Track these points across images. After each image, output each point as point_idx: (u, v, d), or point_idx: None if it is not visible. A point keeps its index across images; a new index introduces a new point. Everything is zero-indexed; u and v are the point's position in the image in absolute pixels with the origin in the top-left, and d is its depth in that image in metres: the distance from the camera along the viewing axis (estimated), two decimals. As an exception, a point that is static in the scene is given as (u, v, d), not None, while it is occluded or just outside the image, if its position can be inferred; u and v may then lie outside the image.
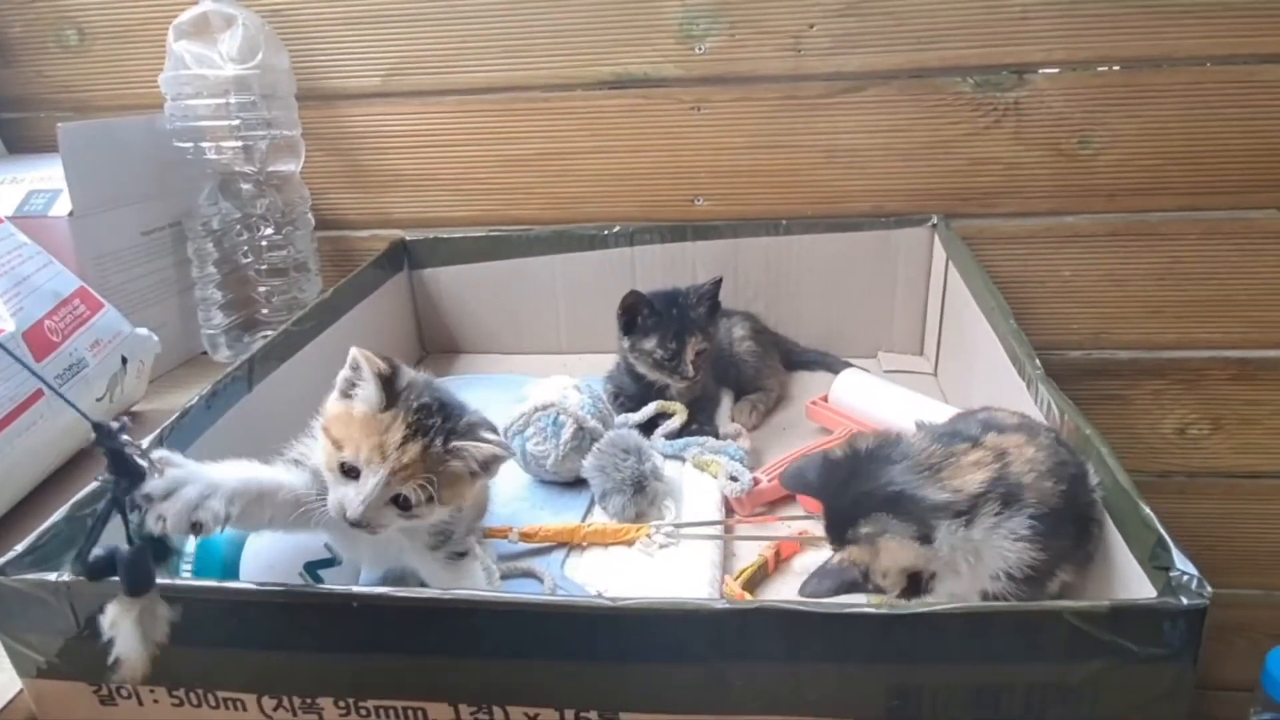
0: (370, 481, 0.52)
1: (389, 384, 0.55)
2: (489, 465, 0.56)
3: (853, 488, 0.54)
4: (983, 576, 0.52)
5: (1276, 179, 0.99)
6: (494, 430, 0.58)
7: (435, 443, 0.53)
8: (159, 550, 0.49)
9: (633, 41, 1.01)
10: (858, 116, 1.01)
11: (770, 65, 1.00)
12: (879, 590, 0.51)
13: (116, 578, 0.45)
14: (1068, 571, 0.54)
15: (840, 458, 0.56)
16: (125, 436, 0.45)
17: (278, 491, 0.54)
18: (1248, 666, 0.89)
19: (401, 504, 0.53)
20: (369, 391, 0.54)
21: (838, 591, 0.51)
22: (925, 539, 0.50)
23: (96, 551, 0.45)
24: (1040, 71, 0.98)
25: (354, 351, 0.55)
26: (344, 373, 0.56)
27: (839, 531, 0.53)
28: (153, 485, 0.46)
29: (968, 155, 1.01)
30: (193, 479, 0.48)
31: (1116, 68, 0.97)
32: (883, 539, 0.51)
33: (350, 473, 0.53)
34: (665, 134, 1.04)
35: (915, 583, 0.51)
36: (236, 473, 0.52)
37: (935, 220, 0.99)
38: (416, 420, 0.53)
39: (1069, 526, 0.53)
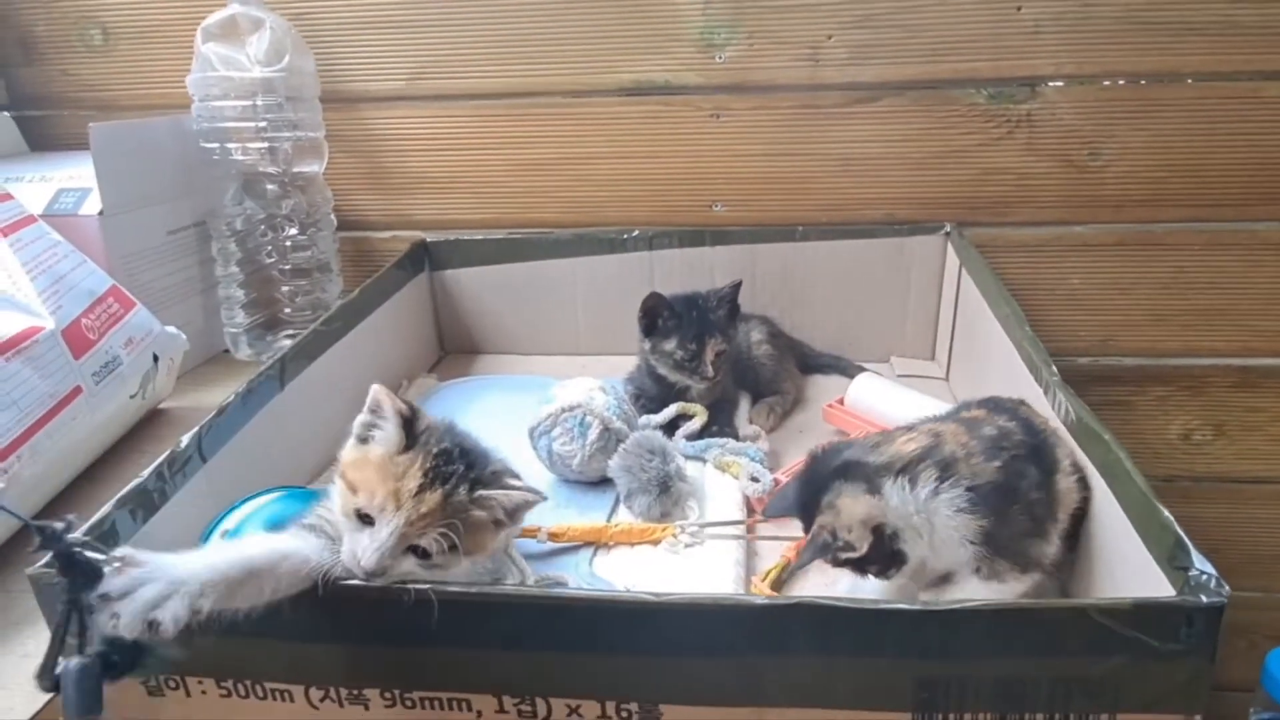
0: (384, 531, 0.49)
1: (409, 425, 0.52)
2: (516, 513, 0.54)
3: (813, 480, 0.61)
4: (944, 550, 0.58)
5: (1278, 192, 1.01)
6: (518, 478, 0.55)
7: (458, 491, 0.51)
8: (133, 655, 0.44)
9: (653, 49, 1.02)
10: (873, 126, 1.03)
11: (788, 75, 1.02)
12: (849, 548, 0.57)
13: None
14: (1044, 543, 0.60)
15: (803, 468, 0.63)
16: (73, 535, 0.42)
17: (281, 563, 0.49)
18: (1249, 667, 0.91)
19: (420, 554, 0.50)
20: (389, 431, 0.52)
21: (813, 558, 0.58)
22: (873, 491, 0.58)
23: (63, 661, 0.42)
24: (1051, 84, 1.00)
25: (375, 390, 0.52)
26: (362, 417, 0.53)
27: (810, 515, 0.60)
28: (110, 584, 0.42)
29: (980, 165, 1.03)
30: (154, 577, 0.44)
31: (1125, 82, 0.99)
32: (839, 499, 0.58)
33: (366, 519, 0.50)
34: (684, 141, 1.06)
35: (881, 541, 0.57)
36: (214, 560, 0.47)
37: (948, 228, 1.02)
38: (435, 466, 0.51)
39: (1016, 500, 0.59)
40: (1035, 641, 0.46)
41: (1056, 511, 0.61)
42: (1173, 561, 0.48)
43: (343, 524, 0.51)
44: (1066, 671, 0.46)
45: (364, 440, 0.53)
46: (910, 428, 0.64)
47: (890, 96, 1.02)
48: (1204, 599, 0.44)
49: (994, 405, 0.67)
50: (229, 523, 0.61)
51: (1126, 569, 0.55)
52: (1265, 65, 0.97)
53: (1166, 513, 0.50)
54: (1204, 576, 0.45)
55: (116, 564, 0.43)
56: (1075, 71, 0.99)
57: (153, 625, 0.42)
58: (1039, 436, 0.63)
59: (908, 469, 0.58)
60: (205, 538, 0.60)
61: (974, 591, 0.59)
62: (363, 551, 0.49)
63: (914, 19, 0.99)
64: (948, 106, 1.01)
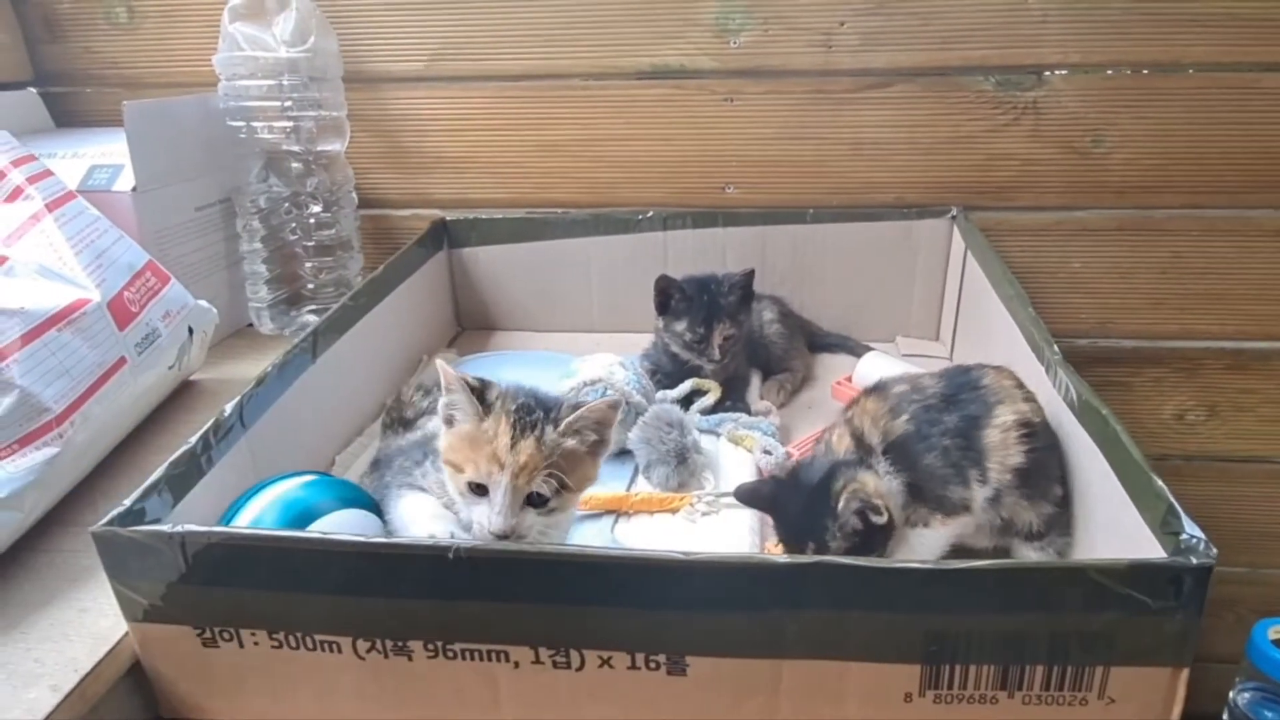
0: (498, 492, 0.53)
1: (479, 394, 0.56)
2: (603, 429, 0.57)
3: (803, 482, 0.65)
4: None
5: (1274, 180, 1.04)
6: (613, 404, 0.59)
7: (545, 431, 0.54)
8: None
9: (670, 34, 1.05)
10: (883, 111, 1.05)
11: (801, 60, 1.04)
12: (879, 511, 0.61)
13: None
14: (964, 489, 0.65)
15: (784, 477, 0.67)
16: None
17: None
18: (1235, 640, 0.95)
19: (536, 502, 0.54)
20: (462, 402, 0.55)
21: (860, 507, 0.60)
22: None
23: None
24: (1057, 73, 1.02)
25: (440, 367, 0.56)
26: (442, 399, 0.57)
27: (806, 522, 0.63)
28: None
29: (987, 151, 1.06)
30: None
31: (1129, 71, 1.02)
32: (860, 475, 0.63)
33: (479, 490, 0.54)
34: (698, 124, 1.08)
35: (890, 520, 0.62)
36: None
37: (955, 212, 1.04)
38: (519, 418, 0.55)
39: (931, 447, 0.65)
40: (1037, 598, 0.49)
41: (983, 461, 0.65)
42: (1165, 527, 0.52)
43: (459, 504, 0.56)
44: (1065, 626, 0.49)
45: (450, 423, 0.57)
46: (834, 424, 0.69)
47: (901, 83, 1.04)
48: (1193, 560, 0.47)
49: (951, 368, 0.73)
50: (245, 516, 0.62)
51: (1123, 534, 0.58)
52: (1265, 57, 0.99)
53: (1160, 482, 0.53)
54: (1194, 540, 0.49)
55: None
56: (1081, 60, 1.02)
57: None
58: (971, 390, 0.68)
59: (864, 460, 0.65)
60: (226, 521, 0.62)
61: (909, 540, 0.64)
62: (488, 520, 0.53)
63: (925, 6, 1.01)
64: (956, 93, 1.04)
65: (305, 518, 0.62)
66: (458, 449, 0.56)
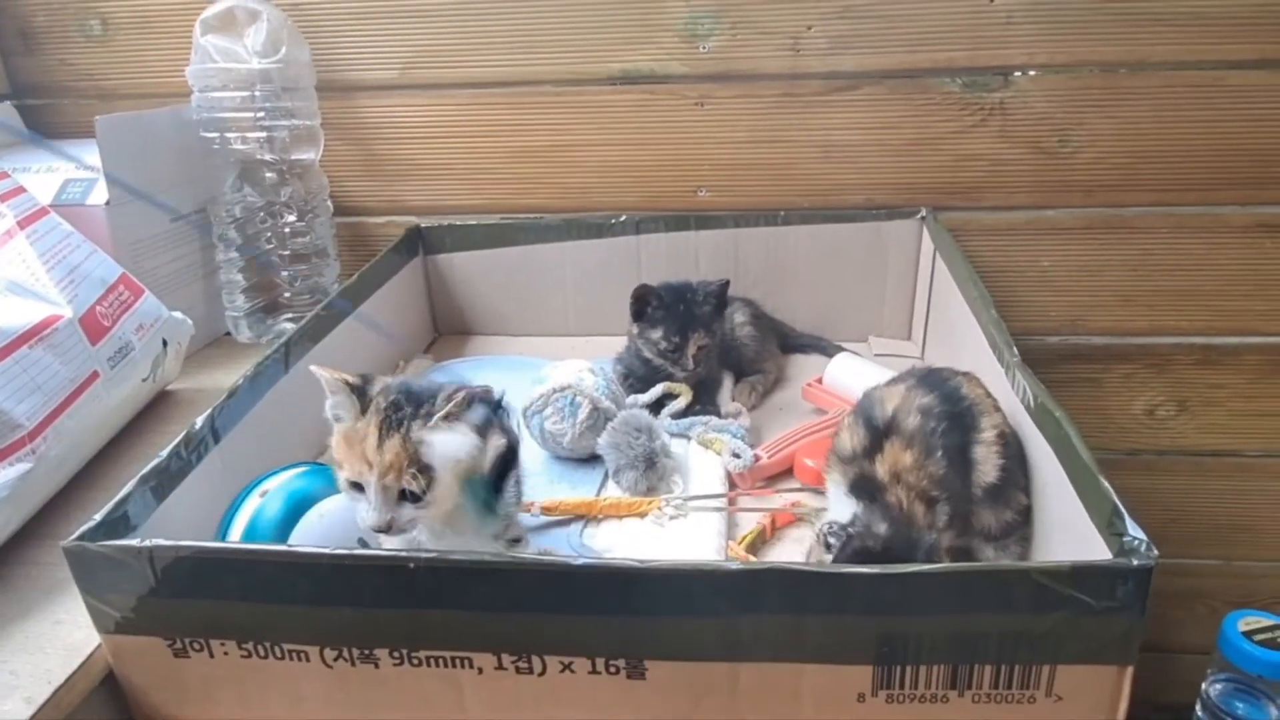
0: (370, 492, 0.55)
1: (358, 391, 0.57)
2: (478, 419, 0.58)
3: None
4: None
5: (1242, 177, 1.05)
6: (473, 391, 0.59)
7: (411, 429, 0.56)
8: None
9: (640, 40, 1.05)
10: (852, 114, 1.06)
11: (770, 64, 1.05)
12: None
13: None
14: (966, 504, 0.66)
15: (875, 545, 0.63)
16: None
17: None
18: (1207, 631, 0.96)
19: (411, 497, 0.56)
20: (342, 402, 0.57)
21: None
22: None
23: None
24: (1024, 73, 1.03)
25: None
26: (327, 400, 0.59)
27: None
28: None
29: (955, 151, 1.07)
30: None
31: (1095, 71, 1.03)
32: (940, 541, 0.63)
33: (358, 487, 0.57)
34: (670, 128, 1.09)
35: None
36: None
37: (924, 212, 1.05)
38: (386, 417, 0.56)
39: (955, 469, 0.66)
40: (985, 600, 0.50)
41: (970, 474, 0.67)
42: (1110, 528, 0.53)
43: (349, 497, 0.58)
44: (1013, 627, 0.50)
45: (337, 420, 0.59)
46: (878, 480, 0.65)
47: (869, 85, 1.05)
48: (1135, 562, 0.49)
49: (927, 376, 0.73)
50: (246, 510, 0.65)
51: (1076, 535, 0.59)
52: (1228, 54, 1.01)
53: (1106, 484, 0.55)
54: (1136, 541, 0.50)
55: None
56: (1046, 61, 1.03)
57: None
58: (958, 401, 0.69)
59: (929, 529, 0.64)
60: (238, 502, 0.65)
61: None
62: (364, 515, 0.56)
63: (892, 9, 1.02)
64: (924, 95, 1.05)
65: (307, 503, 0.64)
66: (339, 447, 0.58)
